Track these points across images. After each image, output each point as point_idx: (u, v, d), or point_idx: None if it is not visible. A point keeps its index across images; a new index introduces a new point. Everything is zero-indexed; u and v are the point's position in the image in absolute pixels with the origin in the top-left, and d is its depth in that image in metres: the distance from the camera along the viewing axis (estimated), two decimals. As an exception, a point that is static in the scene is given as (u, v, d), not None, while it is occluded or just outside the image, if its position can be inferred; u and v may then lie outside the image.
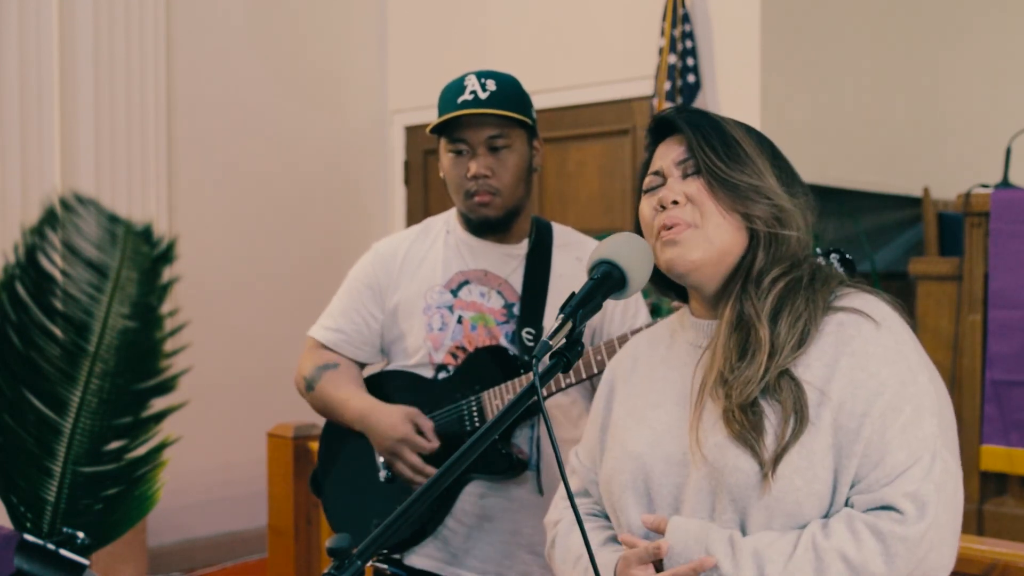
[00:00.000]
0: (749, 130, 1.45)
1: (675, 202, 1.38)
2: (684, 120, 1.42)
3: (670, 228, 1.37)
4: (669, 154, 1.42)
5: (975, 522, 3.66)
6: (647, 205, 1.43)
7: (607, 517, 1.52)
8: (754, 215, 1.36)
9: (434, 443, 2.03)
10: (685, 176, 1.40)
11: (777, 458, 1.25)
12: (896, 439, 1.25)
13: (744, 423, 1.27)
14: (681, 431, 1.36)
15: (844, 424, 1.26)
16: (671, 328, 1.51)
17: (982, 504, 3.67)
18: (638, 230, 1.47)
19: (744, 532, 1.29)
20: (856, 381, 1.28)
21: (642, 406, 1.44)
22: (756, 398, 1.28)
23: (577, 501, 1.56)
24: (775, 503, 1.26)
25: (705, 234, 1.36)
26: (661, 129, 1.47)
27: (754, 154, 1.40)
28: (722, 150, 1.38)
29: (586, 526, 1.48)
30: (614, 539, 1.47)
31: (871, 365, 1.28)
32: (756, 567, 1.23)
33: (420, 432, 2.04)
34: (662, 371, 1.45)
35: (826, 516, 1.28)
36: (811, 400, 1.27)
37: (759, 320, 1.32)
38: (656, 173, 1.43)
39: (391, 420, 2.04)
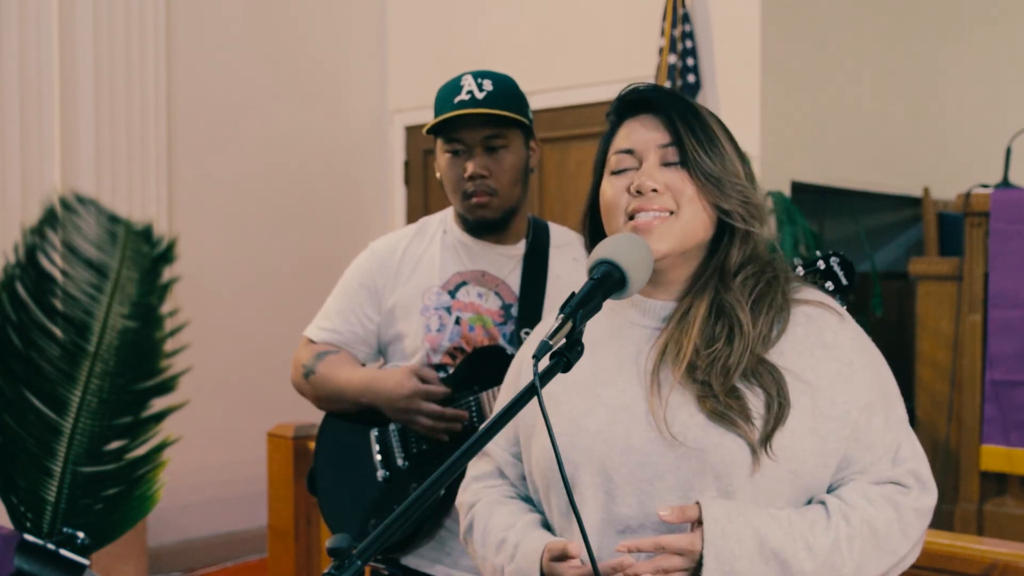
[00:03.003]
0: (716, 118, 1.43)
1: (655, 190, 1.36)
2: (665, 102, 1.38)
3: (647, 218, 1.35)
4: (647, 136, 1.39)
5: (975, 522, 3.67)
6: (615, 186, 1.39)
7: (528, 500, 1.48)
8: (731, 210, 1.37)
9: (444, 387, 2.02)
10: (665, 163, 1.37)
11: (767, 437, 1.28)
12: (882, 425, 1.34)
13: (729, 405, 1.29)
14: (638, 411, 1.34)
15: (825, 411, 1.31)
16: (610, 304, 1.43)
17: (982, 504, 3.67)
18: (592, 208, 1.44)
19: None
20: (832, 370, 1.34)
21: (590, 382, 1.39)
22: (734, 383, 1.30)
23: (489, 483, 1.52)
24: (762, 480, 1.28)
25: (681, 225, 1.36)
26: (633, 105, 1.42)
27: (725, 143, 1.40)
28: (705, 141, 1.37)
29: (506, 509, 1.46)
30: (541, 523, 1.43)
31: (844, 356, 1.35)
32: (802, 537, 1.26)
33: (426, 382, 2.03)
34: (609, 348, 1.42)
35: (807, 497, 1.32)
36: (790, 385, 1.31)
37: (741, 309, 1.34)
38: (628, 152, 1.40)
39: (395, 380, 2.03)
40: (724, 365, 1.30)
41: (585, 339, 1.29)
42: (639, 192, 1.36)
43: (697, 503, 1.27)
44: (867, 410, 1.33)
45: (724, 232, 1.39)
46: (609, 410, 1.36)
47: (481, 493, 1.51)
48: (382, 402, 2.06)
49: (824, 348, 1.35)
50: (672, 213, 1.35)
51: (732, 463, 1.28)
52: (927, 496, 1.33)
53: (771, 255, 1.42)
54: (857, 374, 1.34)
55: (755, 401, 1.29)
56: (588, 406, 1.38)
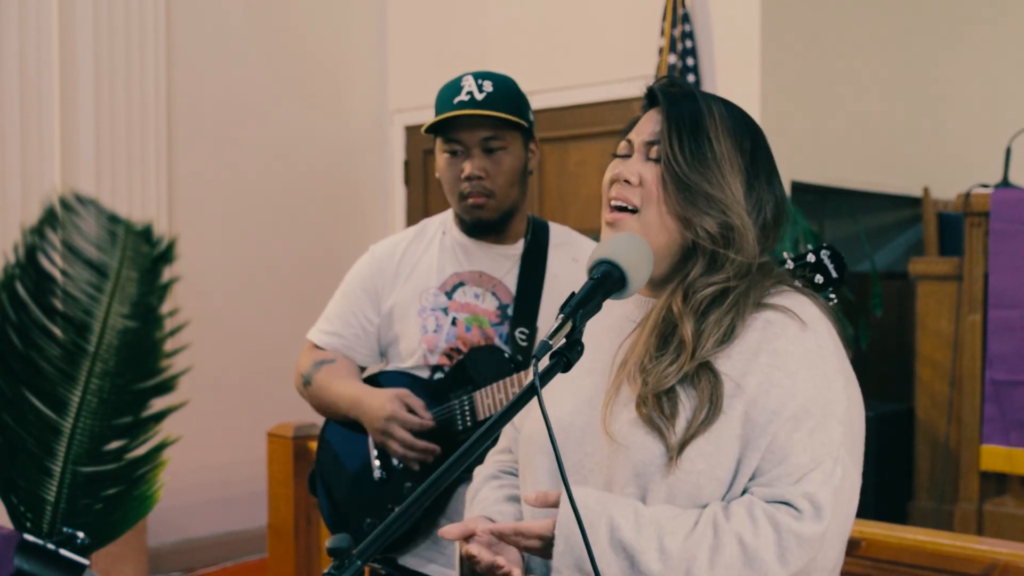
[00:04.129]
0: (737, 124, 1.40)
1: (628, 181, 1.38)
2: (667, 99, 1.40)
3: (616, 208, 1.39)
4: (644, 129, 1.42)
5: (975, 522, 3.67)
6: (609, 171, 1.43)
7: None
8: (698, 225, 1.35)
9: (425, 419, 2.03)
10: (648, 158, 1.39)
11: (684, 443, 1.28)
12: (802, 441, 1.28)
13: (656, 408, 1.30)
14: (598, 403, 1.38)
15: (754, 418, 1.29)
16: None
17: (982, 504, 3.67)
18: None
19: None
20: (772, 379, 1.30)
21: (575, 372, 1.39)
22: (673, 386, 1.31)
23: (498, 457, 1.60)
24: (677, 483, 1.29)
25: (641, 224, 1.37)
26: (651, 99, 1.46)
27: (725, 158, 1.37)
28: (690, 146, 1.36)
29: (494, 483, 1.54)
30: (512, 498, 1.49)
31: (790, 365, 1.31)
32: (656, 537, 1.25)
33: (411, 411, 2.04)
34: (597, 340, 1.44)
35: (724, 500, 1.31)
36: (726, 391, 1.30)
37: (683, 321, 1.34)
38: (628, 142, 1.43)
39: (380, 401, 2.05)
40: (664, 370, 1.31)
41: (594, 333, 1.33)
42: (615, 180, 1.40)
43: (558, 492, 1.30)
44: (791, 422, 1.28)
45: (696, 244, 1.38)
46: (576, 400, 1.41)
47: (487, 467, 1.59)
48: (365, 420, 2.09)
49: (771, 355, 1.31)
50: (636, 210, 1.37)
51: (651, 463, 1.30)
52: (816, 524, 1.25)
53: (748, 272, 1.38)
54: (797, 386, 1.29)
55: (687, 405, 1.30)
56: (562, 394, 1.42)
